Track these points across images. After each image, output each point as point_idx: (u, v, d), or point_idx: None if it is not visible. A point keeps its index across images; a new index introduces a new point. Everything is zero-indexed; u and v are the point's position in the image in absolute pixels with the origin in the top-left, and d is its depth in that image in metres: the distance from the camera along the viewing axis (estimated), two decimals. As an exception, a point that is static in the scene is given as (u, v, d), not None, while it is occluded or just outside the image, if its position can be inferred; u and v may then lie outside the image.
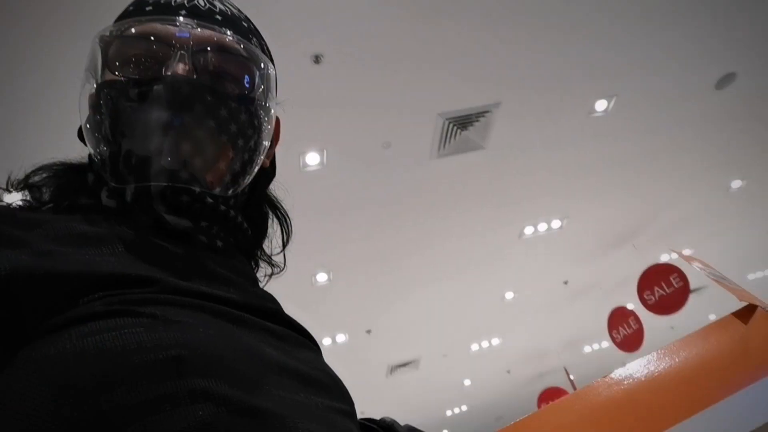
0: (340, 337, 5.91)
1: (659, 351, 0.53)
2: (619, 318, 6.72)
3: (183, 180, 0.58)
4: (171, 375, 0.39)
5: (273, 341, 0.53)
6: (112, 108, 0.60)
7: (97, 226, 0.53)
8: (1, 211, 0.53)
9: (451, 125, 3.67)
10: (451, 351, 7.25)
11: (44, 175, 0.63)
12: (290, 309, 0.63)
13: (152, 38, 0.62)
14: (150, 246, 0.54)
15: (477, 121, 3.71)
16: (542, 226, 5.15)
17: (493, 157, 4.07)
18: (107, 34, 0.63)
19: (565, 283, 6.34)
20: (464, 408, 9.61)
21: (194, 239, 0.59)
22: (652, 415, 0.46)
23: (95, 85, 0.64)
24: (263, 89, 0.68)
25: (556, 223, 5.17)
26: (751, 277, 7.81)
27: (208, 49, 0.63)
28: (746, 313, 0.46)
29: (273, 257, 0.76)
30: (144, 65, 0.62)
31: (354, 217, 4.23)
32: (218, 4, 0.69)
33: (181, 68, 0.61)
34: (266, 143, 0.69)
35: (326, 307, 5.28)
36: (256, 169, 0.68)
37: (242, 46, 0.66)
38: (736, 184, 5.39)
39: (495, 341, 7.33)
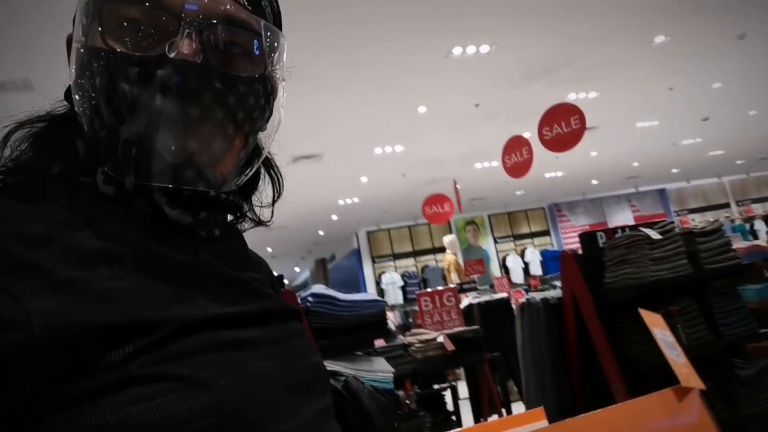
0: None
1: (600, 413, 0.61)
2: (514, 145, 7.16)
3: (188, 180, 0.54)
4: None
5: (275, 353, 0.56)
6: (108, 84, 0.53)
7: (101, 228, 0.52)
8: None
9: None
10: (355, 150, 7.47)
11: (26, 132, 0.58)
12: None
13: (157, 5, 0.53)
14: (157, 259, 0.53)
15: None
16: (471, 49, 5.09)
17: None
18: None
19: (477, 105, 6.50)
20: (356, 200, 10.23)
21: (194, 233, 0.58)
22: None
23: (87, 47, 0.55)
24: (275, 67, 0.62)
25: (484, 48, 5.12)
26: (639, 125, 8.46)
27: (218, 24, 0.55)
28: (682, 392, 0.54)
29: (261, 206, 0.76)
30: (145, 37, 0.54)
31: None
32: None
33: (188, 48, 0.53)
34: (276, 122, 0.65)
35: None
36: (264, 155, 0.64)
37: (255, 20, 0.59)
38: (659, 39, 5.53)
39: (398, 148, 7.61)
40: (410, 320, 9.24)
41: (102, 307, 0.46)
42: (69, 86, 0.60)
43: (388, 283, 11.20)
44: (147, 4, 0.54)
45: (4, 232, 0.47)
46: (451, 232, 11.85)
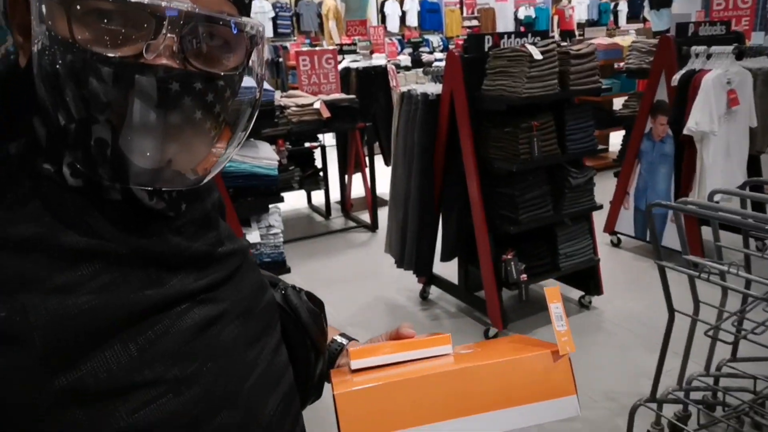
0: None
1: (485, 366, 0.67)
2: None
3: (167, 181, 0.54)
4: (197, 429, 0.56)
5: (239, 312, 0.64)
6: (78, 80, 0.49)
7: (79, 225, 0.53)
8: None
9: None
10: None
11: None
12: None
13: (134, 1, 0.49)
14: (135, 250, 0.56)
15: None
16: None
17: None
18: None
19: None
20: None
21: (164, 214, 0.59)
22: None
23: (53, 37, 0.49)
24: (254, 59, 0.59)
25: None
26: None
27: (198, 21, 0.52)
28: (556, 355, 0.65)
29: None
30: (119, 34, 0.49)
31: None
32: None
33: (167, 50, 0.50)
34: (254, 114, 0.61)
35: None
36: (248, 131, 0.62)
37: (237, 19, 0.55)
38: None
39: None
40: (280, 59, 8.96)
41: (95, 305, 0.50)
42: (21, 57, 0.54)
43: (258, 12, 10.38)
44: None
45: None
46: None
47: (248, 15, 0.61)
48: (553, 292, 0.69)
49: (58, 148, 0.53)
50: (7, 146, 0.54)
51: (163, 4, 0.49)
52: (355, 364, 0.68)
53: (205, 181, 0.59)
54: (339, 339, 0.87)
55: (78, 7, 0.48)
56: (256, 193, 2.64)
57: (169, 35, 0.50)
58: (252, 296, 0.69)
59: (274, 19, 10.40)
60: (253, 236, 2.62)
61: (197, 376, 0.56)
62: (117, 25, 0.49)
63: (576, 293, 3.54)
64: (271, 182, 2.64)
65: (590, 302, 3.48)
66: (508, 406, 0.65)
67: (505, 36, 3.02)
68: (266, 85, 2.63)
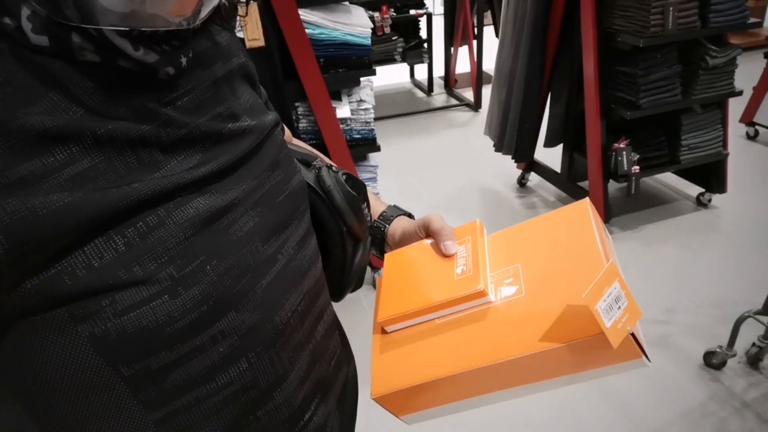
0: None
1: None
2: None
3: (145, 19, 0.43)
4: (197, 332, 0.49)
5: (255, 200, 0.55)
6: None
7: (47, 97, 0.43)
8: None
9: None
10: None
11: None
12: None
13: None
14: (118, 128, 0.46)
15: None
16: None
17: None
18: None
19: None
20: None
21: (158, 72, 0.48)
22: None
23: None
24: None
25: None
26: None
27: None
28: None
29: None
30: None
31: None
32: None
33: None
34: None
35: None
36: None
37: None
38: None
39: None
40: None
41: (69, 203, 0.42)
42: None
43: None
44: None
45: None
46: None
47: None
48: (611, 269, 0.53)
49: None
50: None
51: None
52: (390, 327, 0.65)
53: (198, 21, 0.48)
54: (378, 223, 0.79)
55: None
56: (347, 65, 2.49)
57: None
58: (273, 181, 0.58)
59: None
60: (343, 111, 2.51)
61: (198, 275, 0.48)
62: None
63: (694, 189, 3.19)
64: (363, 52, 2.47)
65: (710, 200, 3.13)
66: (563, 375, 0.56)
67: None
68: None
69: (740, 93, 2.79)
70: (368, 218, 0.75)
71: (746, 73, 3.37)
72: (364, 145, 2.65)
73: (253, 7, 2.12)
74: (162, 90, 0.49)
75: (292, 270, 0.58)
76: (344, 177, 0.72)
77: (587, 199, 0.72)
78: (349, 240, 0.71)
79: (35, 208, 0.40)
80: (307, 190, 0.67)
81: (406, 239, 0.77)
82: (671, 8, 2.42)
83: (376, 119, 2.67)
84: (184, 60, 0.50)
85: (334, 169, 0.72)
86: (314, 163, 0.72)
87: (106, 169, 0.44)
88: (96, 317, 0.44)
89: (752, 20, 2.62)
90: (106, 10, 0.41)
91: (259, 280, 0.53)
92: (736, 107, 3.23)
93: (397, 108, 4.86)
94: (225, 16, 0.61)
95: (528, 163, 3.40)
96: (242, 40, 2.06)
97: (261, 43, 2.16)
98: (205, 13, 0.48)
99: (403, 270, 0.72)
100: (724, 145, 2.93)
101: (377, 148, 2.56)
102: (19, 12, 0.42)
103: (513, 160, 3.39)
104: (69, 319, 0.44)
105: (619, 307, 0.51)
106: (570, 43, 2.84)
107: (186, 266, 0.47)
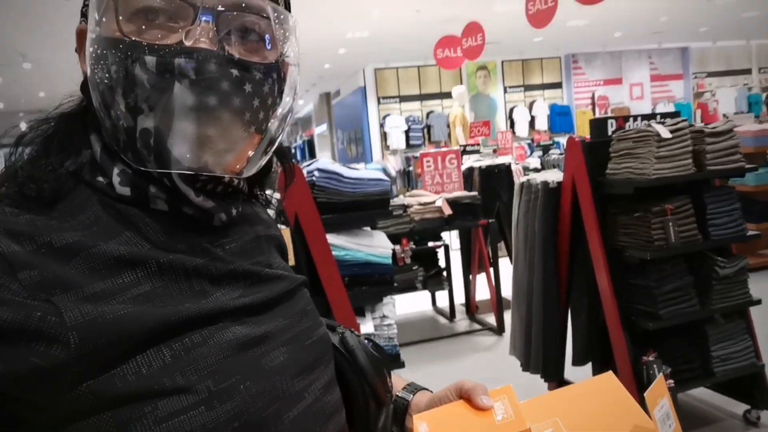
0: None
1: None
2: (541, -8, 6.65)
3: (207, 165, 0.55)
4: None
5: (286, 339, 0.61)
6: (125, 74, 0.53)
7: (123, 233, 0.55)
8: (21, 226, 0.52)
9: None
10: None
11: (37, 133, 0.58)
12: None
13: None
14: (177, 260, 0.56)
15: None
16: None
17: None
18: None
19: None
20: (365, 34, 9.74)
21: (213, 218, 0.60)
22: None
23: (101, 37, 0.54)
24: (288, 52, 0.62)
25: None
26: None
27: (234, 11, 0.55)
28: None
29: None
30: (162, 26, 0.54)
31: None
32: None
33: (204, 36, 0.53)
34: (292, 106, 0.63)
35: None
36: (278, 141, 0.63)
37: (270, 5, 0.58)
38: None
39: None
40: (410, 167, 9.37)
41: (133, 312, 0.50)
42: (83, 80, 0.60)
43: (392, 126, 11.10)
44: None
45: (37, 245, 0.50)
46: (461, 78, 11.48)
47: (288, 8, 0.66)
48: (659, 385, 0.57)
49: (110, 158, 0.57)
50: (65, 163, 0.58)
51: None
52: None
53: (245, 174, 0.60)
54: (402, 394, 0.79)
55: (122, 6, 0.54)
56: (370, 282, 2.64)
57: (204, 19, 0.53)
58: (303, 326, 0.65)
59: (407, 132, 11.04)
60: (367, 326, 2.59)
61: (232, 391, 0.52)
62: (159, 19, 0.54)
63: (740, 407, 3.00)
64: (385, 271, 2.64)
65: (758, 418, 2.92)
66: None
67: (631, 118, 2.89)
68: (382, 176, 2.71)
69: (759, 302, 2.81)
70: (391, 387, 0.78)
71: (762, 290, 3.42)
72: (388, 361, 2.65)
73: (287, 232, 2.35)
74: (215, 234, 0.60)
75: (319, 410, 0.61)
76: (367, 341, 0.78)
77: (610, 372, 0.74)
78: (372, 401, 0.74)
79: (105, 313, 0.49)
80: (332, 348, 0.73)
81: (434, 404, 0.78)
82: (670, 223, 2.60)
83: (399, 345, 2.72)
84: (234, 212, 0.62)
85: (356, 333, 0.78)
86: (338, 328, 0.79)
87: (163, 293, 0.53)
88: (138, 423, 0.48)
89: (750, 233, 2.77)
90: (179, 158, 0.53)
91: (288, 412, 0.57)
92: (762, 316, 3.21)
93: (421, 334, 4.89)
94: (263, 203, 0.76)
95: (558, 382, 3.30)
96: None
97: (291, 262, 2.34)
98: (249, 173, 0.61)
99: (441, 424, 0.69)
100: (758, 355, 2.85)
101: (401, 365, 2.56)
102: (111, 171, 0.56)
103: (543, 379, 3.30)
104: (113, 424, 0.47)
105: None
106: (582, 258, 2.99)
107: (222, 381, 0.52)
